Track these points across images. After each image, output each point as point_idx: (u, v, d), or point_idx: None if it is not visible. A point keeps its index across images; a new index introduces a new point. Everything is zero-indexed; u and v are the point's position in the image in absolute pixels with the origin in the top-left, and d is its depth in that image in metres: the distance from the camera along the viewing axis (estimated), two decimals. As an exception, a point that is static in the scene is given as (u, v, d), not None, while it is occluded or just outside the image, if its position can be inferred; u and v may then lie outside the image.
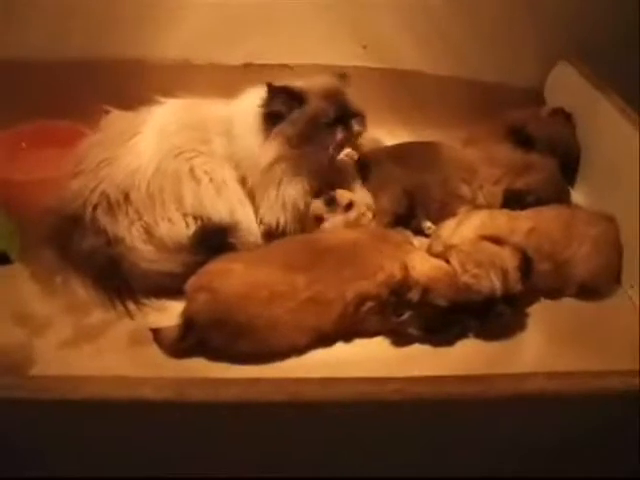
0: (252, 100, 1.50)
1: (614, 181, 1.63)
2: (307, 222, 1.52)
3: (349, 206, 1.51)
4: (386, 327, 1.35)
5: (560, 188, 1.69)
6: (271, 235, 1.51)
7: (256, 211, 1.51)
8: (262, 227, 1.51)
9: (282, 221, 1.50)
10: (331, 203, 1.50)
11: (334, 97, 1.50)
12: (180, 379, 1.07)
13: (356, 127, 1.51)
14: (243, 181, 1.51)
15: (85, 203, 1.42)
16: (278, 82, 1.49)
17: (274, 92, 1.46)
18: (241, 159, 1.49)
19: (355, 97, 1.55)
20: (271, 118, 1.46)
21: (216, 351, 1.28)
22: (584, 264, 1.46)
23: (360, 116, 1.52)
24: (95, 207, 1.41)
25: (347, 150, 1.50)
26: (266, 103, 1.47)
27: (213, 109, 1.56)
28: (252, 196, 1.51)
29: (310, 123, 1.46)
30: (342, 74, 1.58)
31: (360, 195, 1.56)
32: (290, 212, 1.50)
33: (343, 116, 1.49)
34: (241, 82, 1.57)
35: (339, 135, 1.48)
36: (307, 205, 1.51)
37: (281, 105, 1.46)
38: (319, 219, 1.51)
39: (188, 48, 1.93)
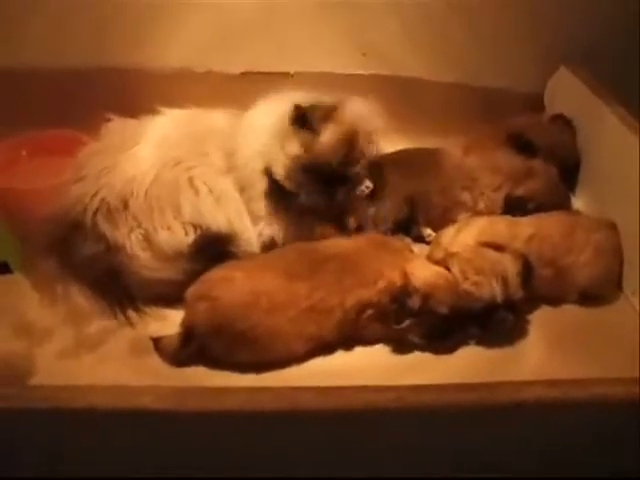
0: (250, 149, 1.50)
1: (615, 187, 1.62)
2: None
3: (359, 228, 1.53)
4: (387, 335, 1.34)
5: (561, 194, 1.69)
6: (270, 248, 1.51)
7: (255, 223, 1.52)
8: (261, 239, 1.52)
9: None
10: (343, 227, 1.52)
11: (313, 174, 1.46)
12: (180, 388, 1.07)
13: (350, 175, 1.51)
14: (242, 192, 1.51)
15: (85, 209, 1.42)
16: (276, 90, 1.51)
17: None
18: (243, 180, 1.50)
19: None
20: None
21: (216, 360, 1.28)
22: (585, 270, 1.46)
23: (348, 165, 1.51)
24: (95, 213, 1.41)
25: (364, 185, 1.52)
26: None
27: (213, 121, 1.56)
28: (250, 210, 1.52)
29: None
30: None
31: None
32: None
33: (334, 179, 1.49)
34: (241, 90, 1.58)
35: (339, 196, 1.49)
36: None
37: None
38: None
39: (188, 56, 1.93)
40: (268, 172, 1.46)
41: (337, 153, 1.45)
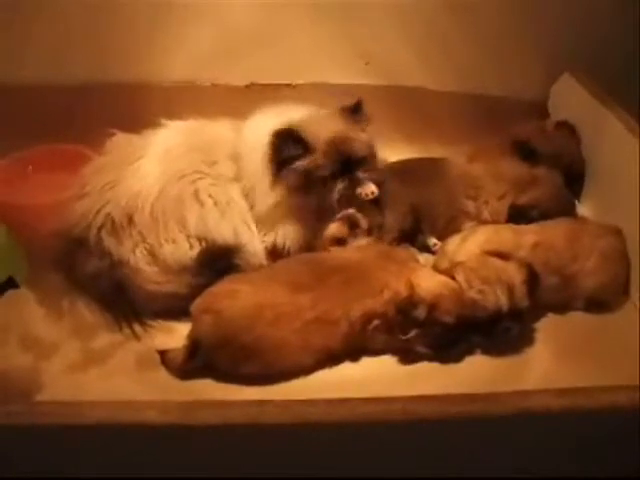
0: (259, 129, 1.50)
1: (619, 193, 1.63)
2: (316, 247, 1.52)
3: (370, 230, 1.52)
4: (393, 345, 1.34)
5: (565, 201, 1.68)
6: (275, 253, 1.51)
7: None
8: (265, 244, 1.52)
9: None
10: (354, 226, 1.50)
11: (338, 148, 1.47)
12: (186, 402, 1.07)
13: (361, 175, 1.50)
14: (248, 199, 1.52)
15: (90, 225, 1.42)
16: (281, 102, 1.53)
17: (283, 138, 1.44)
18: (249, 189, 1.51)
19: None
20: (279, 163, 1.46)
21: (223, 372, 1.27)
22: (591, 277, 1.46)
23: (366, 162, 1.51)
24: (100, 229, 1.42)
25: (369, 189, 1.52)
26: (275, 149, 1.45)
27: (219, 130, 1.57)
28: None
29: (307, 176, 1.46)
30: (357, 105, 1.55)
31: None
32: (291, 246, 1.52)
33: (347, 166, 1.48)
34: (245, 102, 1.58)
35: (339, 186, 1.48)
36: (304, 244, 1.52)
37: (289, 152, 1.45)
38: (340, 241, 1.49)
39: (191, 70, 1.94)
40: (283, 133, 1.45)
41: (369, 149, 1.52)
